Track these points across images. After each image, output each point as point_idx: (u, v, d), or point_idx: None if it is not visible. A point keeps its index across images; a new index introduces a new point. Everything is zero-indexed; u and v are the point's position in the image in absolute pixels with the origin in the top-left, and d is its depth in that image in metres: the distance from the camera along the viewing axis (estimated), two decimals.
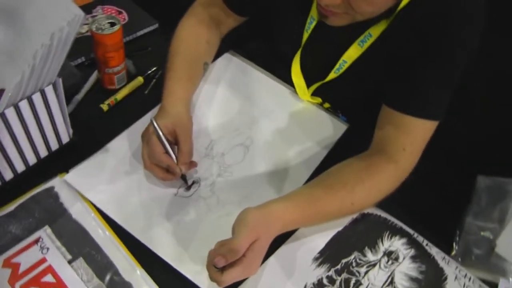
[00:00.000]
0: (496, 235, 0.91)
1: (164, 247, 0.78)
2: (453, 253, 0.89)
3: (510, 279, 0.86)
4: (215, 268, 0.69)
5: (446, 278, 0.81)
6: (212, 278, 0.70)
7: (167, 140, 0.82)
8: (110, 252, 0.76)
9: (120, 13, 1.12)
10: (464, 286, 0.80)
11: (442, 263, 0.83)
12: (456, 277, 0.81)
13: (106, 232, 0.78)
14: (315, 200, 0.79)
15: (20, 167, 0.80)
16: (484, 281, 0.84)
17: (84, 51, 1.01)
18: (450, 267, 0.82)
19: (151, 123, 0.81)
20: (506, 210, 0.98)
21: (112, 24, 0.89)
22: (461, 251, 0.89)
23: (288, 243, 0.81)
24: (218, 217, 0.83)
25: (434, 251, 0.84)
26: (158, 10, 1.19)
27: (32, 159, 0.82)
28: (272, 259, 0.78)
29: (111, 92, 0.97)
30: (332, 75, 0.95)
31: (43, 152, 0.83)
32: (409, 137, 0.84)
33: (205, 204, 0.84)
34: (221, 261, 0.67)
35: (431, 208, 1.07)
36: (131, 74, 1.01)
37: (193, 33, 0.99)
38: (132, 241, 0.78)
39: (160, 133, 0.81)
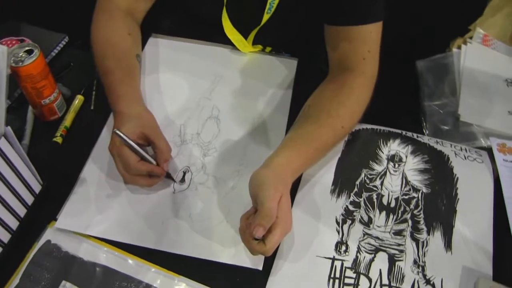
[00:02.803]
0: (455, 107, 0.93)
1: (190, 246, 0.71)
2: None
3: (481, 139, 0.88)
4: (256, 240, 0.64)
5: (448, 158, 0.81)
6: (256, 252, 0.65)
7: (139, 145, 0.74)
8: (142, 275, 0.68)
9: (22, 41, 0.97)
10: (465, 157, 0.81)
11: (438, 147, 0.83)
12: (455, 154, 0.82)
13: (128, 260, 0.69)
14: (310, 137, 0.75)
15: (5, 237, 0.69)
16: None
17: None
18: (446, 147, 0.83)
19: (116, 135, 0.72)
20: (453, 81, 0.99)
21: (30, 52, 0.76)
22: (432, 133, 0.90)
23: (301, 189, 0.77)
24: (225, 195, 0.77)
25: (426, 139, 0.84)
26: (58, 23, 1.05)
27: (13, 224, 0.70)
28: (294, 210, 0.74)
29: (57, 123, 0.85)
30: (266, 17, 0.88)
31: (22, 211, 0.71)
32: (365, 46, 0.81)
33: (206, 188, 0.78)
34: (260, 230, 0.62)
35: (388, 106, 1.07)
36: (67, 96, 0.89)
37: (112, 31, 0.87)
38: (156, 255, 0.70)
39: (130, 142, 0.72)
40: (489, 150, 0.85)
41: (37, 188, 0.74)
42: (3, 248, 0.69)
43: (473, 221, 0.74)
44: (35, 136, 0.84)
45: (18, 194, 0.69)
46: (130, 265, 0.69)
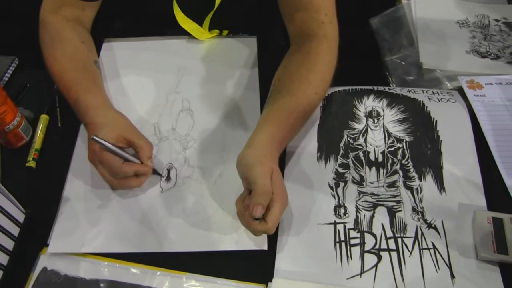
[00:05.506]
0: (416, 57, 0.92)
1: (190, 241, 0.68)
2: None
3: (447, 83, 0.88)
4: (256, 221, 0.61)
5: (423, 104, 0.80)
6: (258, 232, 0.63)
7: (120, 148, 0.70)
8: (149, 281, 0.65)
9: None
10: (439, 100, 0.81)
11: (411, 95, 0.82)
12: (429, 98, 0.81)
13: (131, 269, 0.66)
14: (287, 109, 0.72)
15: None
16: None
17: None
18: (418, 94, 0.82)
19: (95, 141, 0.68)
20: (409, 32, 0.99)
21: None
22: (399, 86, 0.88)
23: (287, 162, 0.75)
24: (214, 183, 0.74)
25: (398, 90, 0.83)
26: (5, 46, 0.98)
27: (3, 259, 0.65)
28: (286, 183, 0.70)
29: (25, 148, 0.79)
30: (218, 0, 0.85)
31: (9, 244, 0.66)
32: (320, 11, 0.78)
33: (194, 181, 0.74)
34: (259, 209, 0.60)
35: (350, 68, 1.06)
36: (30, 118, 0.83)
37: (65, 43, 0.82)
38: (159, 257, 0.67)
39: (110, 146, 0.69)
40: (458, 90, 0.85)
41: (20, 217, 0.69)
42: None
43: (459, 158, 0.74)
44: (6, 166, 0.78)
45: (2, 228, 0.64)
46: (134, 273, 0.66)
